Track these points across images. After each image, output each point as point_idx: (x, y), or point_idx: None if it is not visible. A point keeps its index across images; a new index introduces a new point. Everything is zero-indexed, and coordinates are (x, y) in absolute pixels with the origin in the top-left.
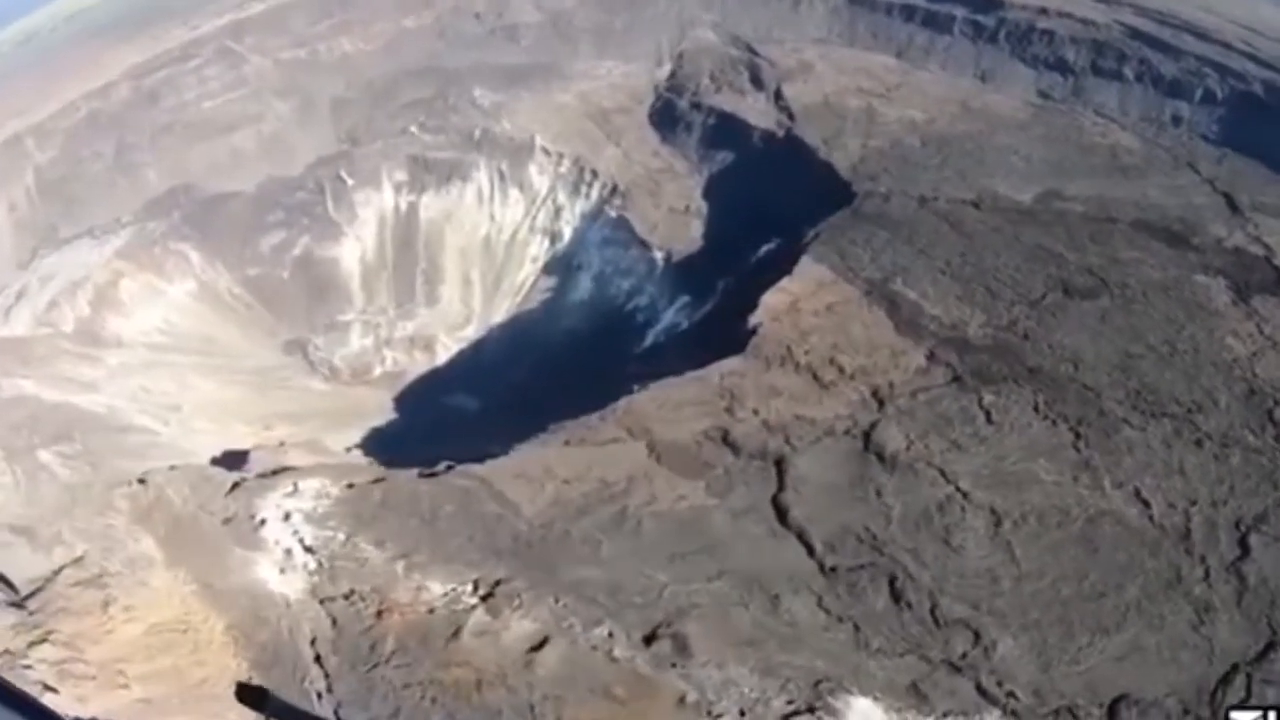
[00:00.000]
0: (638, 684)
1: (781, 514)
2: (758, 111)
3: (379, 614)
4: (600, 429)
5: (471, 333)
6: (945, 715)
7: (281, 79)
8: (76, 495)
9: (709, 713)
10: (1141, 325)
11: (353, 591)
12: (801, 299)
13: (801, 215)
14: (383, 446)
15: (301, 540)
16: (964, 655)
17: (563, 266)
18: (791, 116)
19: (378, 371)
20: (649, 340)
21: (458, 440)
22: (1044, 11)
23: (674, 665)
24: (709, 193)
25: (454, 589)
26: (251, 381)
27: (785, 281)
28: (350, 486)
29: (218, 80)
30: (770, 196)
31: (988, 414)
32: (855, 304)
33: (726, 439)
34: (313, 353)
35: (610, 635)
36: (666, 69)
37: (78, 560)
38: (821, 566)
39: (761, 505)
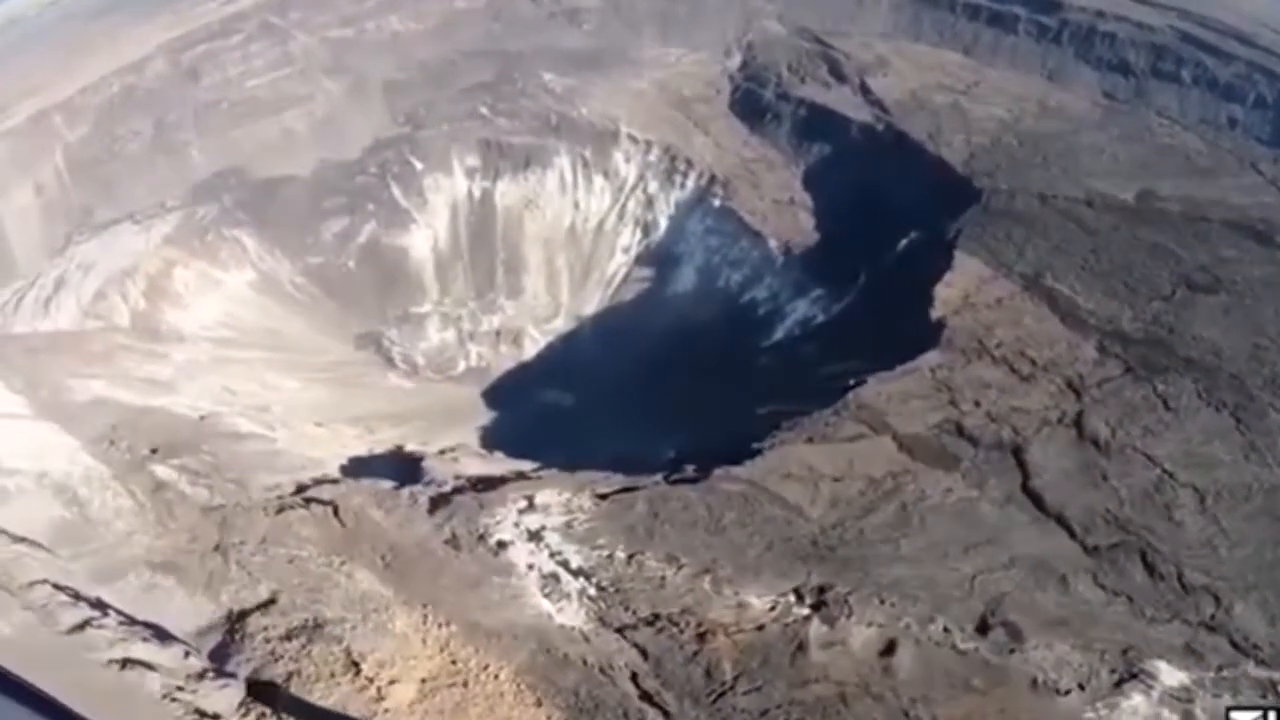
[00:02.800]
0: (990, 673)
1: (1037, 500)
2: (847, 104)
3: (700, 637)
4: (840, 425)
5: (560, 325)
6: (1219, 669)
7: (330, 58)
8: (227, 520)
9: (1056, 690)
10: (1258, 319)
11: (658, 616)
12: (970, 293)
13: (920, 210)
14: (509, 447)
15: (566, 563)
16: (1212, 617)
17: (659, 257)
18: (885, 110)
19: (462, 366)
20: (779, 333)
21: (572, 437)
22: (1101, 14)
23: (1012, 651)
24: (810, 185)
25: (776, 601)
26: (331, 379)
27: (949, 276)
28: (603, 497)
29: (262, 58)
30: (881, 190)
31: (1164, 401)
32: (1019, 298)
33: (962, 431)
34: (389, 347)
35: (946, 630)
36: (737, 59)
37: (267, 604)
38: (1085, 547)
39: (1016, 494)
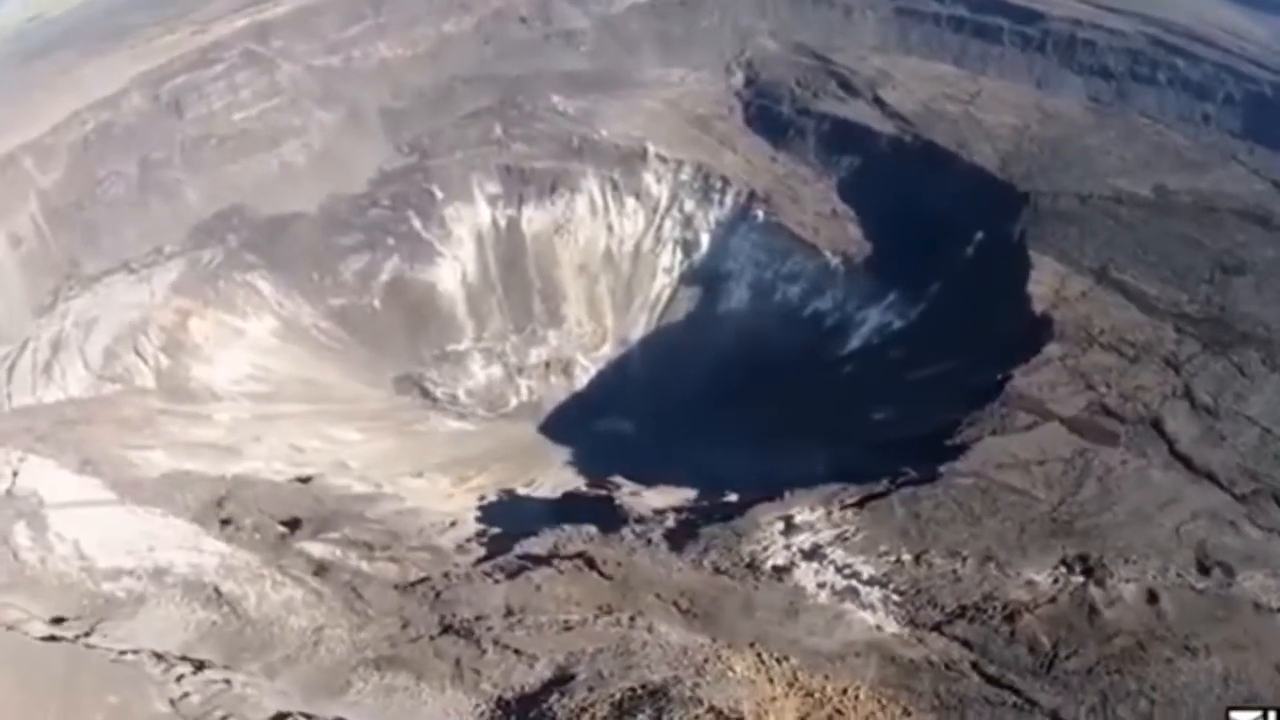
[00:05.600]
0: (1224, 604)
1: (1187, 462)
2: (868, 117)
3: (1009, 619)
4: (1012, 416)
5: (608, 352)
6: None
7: (320, 87)
8: (444, 595)
9: (1271, 610)
10: None
11: (964, 608)
12: (1058, 289)
13: (969, 214)
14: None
15: (857, 575)
16: None
17: (705, 276)
18: (908, 122)
19: (513, 403)
20: (855, 342)
21: (671, 462)
22: (1078, 23)
23: (1229, 585)
24: (847, 196)
25: (1054, 574)
26: (386, 427)
27: (1036, 274)
28: (860, 505)
29: (249, 88)
30: (924, 198)
31: (1240, 370)
32: (1096, 291)
33: (1108, 410)
34: (433, 389)
35: (1179, 575)
36: (740, 77)
37: (562, 680)
38: (1235, 496)
39: (1169, 458)
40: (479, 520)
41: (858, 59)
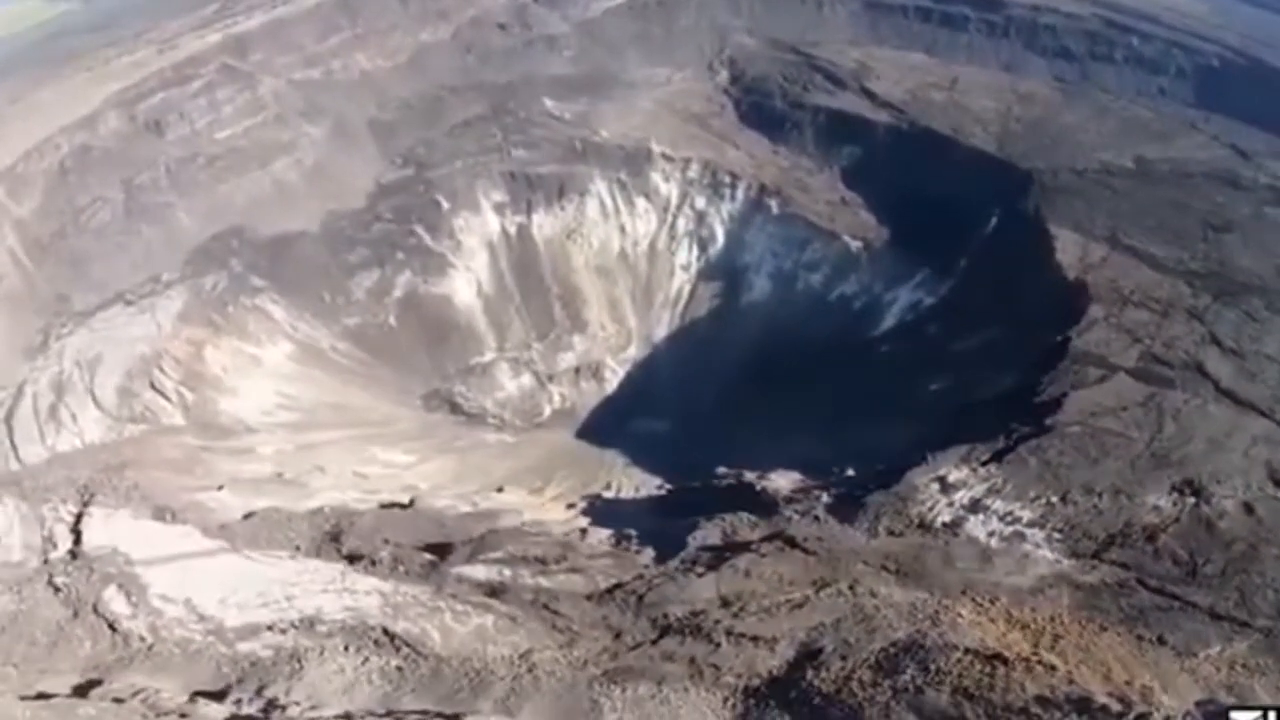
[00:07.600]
0: None
1: (1233, 397)
2: (861, 108)
3: (1149, 539)
4: (1084, 372)
5: (634, 353)
6: None
7: (303, 101)
8: (645, 599)
9: None
10: (1269, 246)
11: (1112, 536)
12: (1082, 256)
13: (978, 193)
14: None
15: (1018, 520)
16: None
17: (723, 270)
18: (901, 110)
19: (547, 410)
20: (888, 321)
21: (734, 451)
22: (1037, 8)
23: None
24: (852, 184)
25: (1169, 499)
26: (433, 446)
27: (1058, 244)
28: (999, 460)
29: (230, 105)
30: (931, 180)
31: (1249, 315)
32: (1114, 256)
33: (1157, 359)
34: (464, 403)
35: (1260, 489)
36: (724, 74)
37: (811, 656)
38: (1276, 423)
39: (1218, 395)
40: (594, 525)
41: (837, 52)
